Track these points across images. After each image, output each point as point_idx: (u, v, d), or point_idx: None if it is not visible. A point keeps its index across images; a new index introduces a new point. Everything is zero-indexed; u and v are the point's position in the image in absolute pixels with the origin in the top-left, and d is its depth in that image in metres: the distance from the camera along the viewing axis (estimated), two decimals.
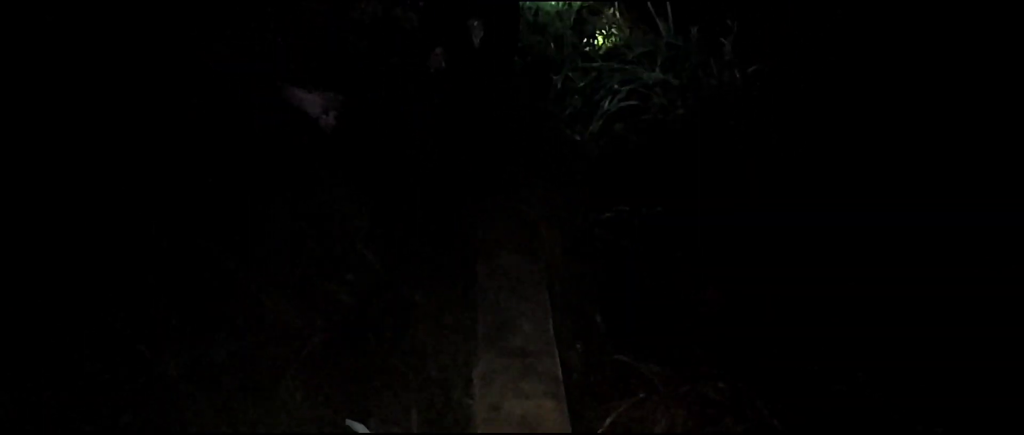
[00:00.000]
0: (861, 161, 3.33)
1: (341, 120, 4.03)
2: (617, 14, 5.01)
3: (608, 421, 2.66)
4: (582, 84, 4.42)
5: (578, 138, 4.02)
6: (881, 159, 3.30)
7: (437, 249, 3.25)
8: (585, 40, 4.91)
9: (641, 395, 2.76)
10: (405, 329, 2.95)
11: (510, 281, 2.98)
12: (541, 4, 5.09)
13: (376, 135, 3.77)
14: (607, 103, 4.15)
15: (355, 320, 3.00)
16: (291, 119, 4.01)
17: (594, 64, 4.56)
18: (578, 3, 5.03)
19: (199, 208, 3.31)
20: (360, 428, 2.57)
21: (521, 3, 5.04)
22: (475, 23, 4.85)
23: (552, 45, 4.88)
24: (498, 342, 2.77)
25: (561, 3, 5.04)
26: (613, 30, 4.98)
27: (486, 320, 2.88)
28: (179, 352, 2.81)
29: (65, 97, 3.29)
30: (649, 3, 4.56)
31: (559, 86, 4.48)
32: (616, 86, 4.23)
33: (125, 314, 2.91)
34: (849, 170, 3.32)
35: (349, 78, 4.76)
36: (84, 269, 3.05)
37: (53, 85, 3.28)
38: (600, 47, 4.84)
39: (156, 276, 3.03)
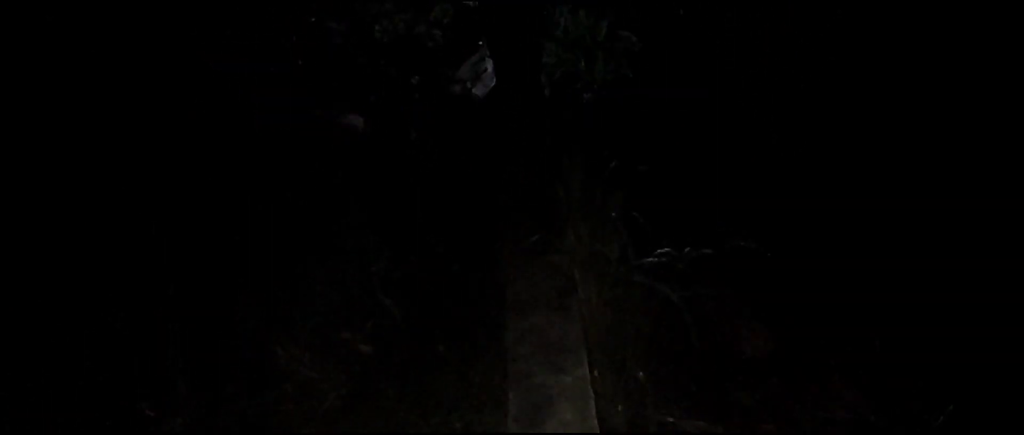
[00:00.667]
0: None
1: (360, 145, 3.82)
2: None
3: None
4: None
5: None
6: None
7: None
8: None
9: None
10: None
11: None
12: (571, 19, 4.83)
13: (396, 161, 3.54)
14: None
15: (375, 371, 2.77)
16: (309, 137, 3.82)
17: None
18: (608, 18, 4.75)
19: (208, 247, 3.11)
20: None
21: (549, 20, 4.80)
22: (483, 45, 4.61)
23: (582, 61, 4.62)
24: None
25: (590, 19, 4.77)
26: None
27: None
28: (186, 412, 2.60)
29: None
30: None
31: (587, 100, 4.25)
32: None
33: (127, 369, 2.70)
34: None
35: (370, 100, 4.57)
36: (87, 316, 2.86)
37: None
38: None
39: (161, 324, 2.82)
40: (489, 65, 4.66)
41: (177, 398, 2.62)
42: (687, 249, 2.81)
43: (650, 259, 2.72)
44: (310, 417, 2.63)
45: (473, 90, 4.53)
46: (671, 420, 2.62)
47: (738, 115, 3.99)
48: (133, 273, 3.00)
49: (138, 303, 2.91)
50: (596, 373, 2.67)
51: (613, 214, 2.87)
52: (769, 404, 2.72)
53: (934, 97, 3.53)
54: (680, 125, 3.99)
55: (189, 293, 2.97)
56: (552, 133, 3.61)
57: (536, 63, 4.54)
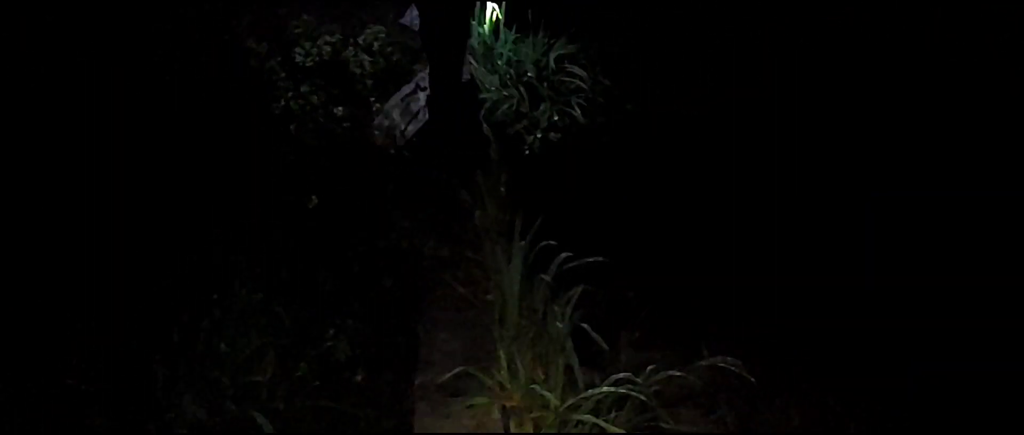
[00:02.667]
0: None
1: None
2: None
3: None
4: None
5: None
6: None
7: None
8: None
9: None
10: None
11: None
12: (518, 48, 4.37)
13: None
14: None
15: None
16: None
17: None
18: (558, 51, 4.31)
19: None
20: None
21: (496, 50, 4.33)
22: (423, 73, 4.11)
23: (526, 99, 4.16)
24: None
25: (537, 51, 4.32)
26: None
27: None
28: None
29: None
30: None
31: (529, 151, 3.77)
32: None
33: None
34: None
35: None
36: None
37: None
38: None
39: None
40: (422, 97, 4.17)
41: None
42: (650, 368, 2.29)
43: (604, 387, 2.18)
44: None
45: (404, 128, 4.03)
46: None
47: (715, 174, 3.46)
48: None
49: None
50: None
51: (560, 325, 2.34)
52: None
53: None
54: (646, 190, 3.43)
55: None
56: (485, 205, 2.98)
57: (475, 99, 4.06)
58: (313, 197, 2.81)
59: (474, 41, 4.32)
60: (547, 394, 2.19)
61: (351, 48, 4.38)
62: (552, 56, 4.32)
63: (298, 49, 4.38)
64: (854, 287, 2.74)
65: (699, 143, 3.50)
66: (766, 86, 3.66)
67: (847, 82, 3.51)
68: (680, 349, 2.43)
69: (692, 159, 3.43)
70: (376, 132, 3.85)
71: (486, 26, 4.42)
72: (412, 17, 4.54)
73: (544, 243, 2.51)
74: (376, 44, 4.40)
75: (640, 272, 2.81)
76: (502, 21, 4.40)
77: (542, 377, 2.31)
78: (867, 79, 3.48)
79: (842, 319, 2.66)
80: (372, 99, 4.23)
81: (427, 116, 4.12)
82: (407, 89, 4.28)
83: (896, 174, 3.18)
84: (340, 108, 4.13)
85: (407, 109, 4.19)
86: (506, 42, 4.35)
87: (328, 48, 4.37)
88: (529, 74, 4.23)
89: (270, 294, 2.48)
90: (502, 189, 2.85)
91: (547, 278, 2.41)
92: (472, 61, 4.19)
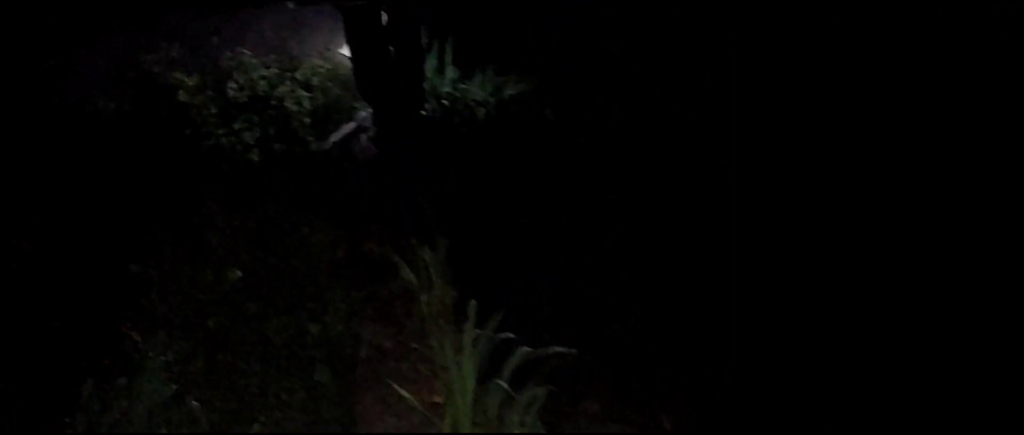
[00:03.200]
0: None
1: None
2: None
3: None
4: None
5: None
6: None
7: None
8: None
9: None
10: None
11: None
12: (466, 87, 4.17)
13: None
14: None
15: None
16: None
17: None
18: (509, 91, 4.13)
19: None
20: None
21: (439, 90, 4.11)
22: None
23: None
24: None
25: (486, 90, 4.13)
26: None
27: None
28: None
29: None
30: None
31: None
32: None
33: None
34: None
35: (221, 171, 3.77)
36: None
37: None
38: None
39: None
40: (363, 139, 3.95)
41: None
42: None
43: None
44: None
45: (342, 167, 3.79)
46: None
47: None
48: None
49: None
50: None
51: None
52: None
53: None
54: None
55: None
56: (432, 282, 2.68)
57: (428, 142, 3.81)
58: (236, 272, 2.55)
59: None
60: None
61: (288, 83, 4.14)
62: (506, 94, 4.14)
63: (231, 83, 4.12)
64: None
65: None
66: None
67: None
68: None
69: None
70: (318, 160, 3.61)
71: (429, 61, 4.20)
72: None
73: (502, 335, 2.26)
74: (315, 79, 4.16)
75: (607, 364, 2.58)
76: (449, 56, 4.19)
77: None
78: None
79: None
80: (309, 138, 3.99)
81: (372, 152, 3.89)
82: (347, 129, 4.05)
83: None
84: (279, 144, 3.88)
85: (347, 147, 3.96)
86: (452, 80, 4.15)
87: (263, 83, 4.11)
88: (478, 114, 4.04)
89: (185, 385, 2.24)
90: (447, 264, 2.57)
91: (503, 384, 2.16)
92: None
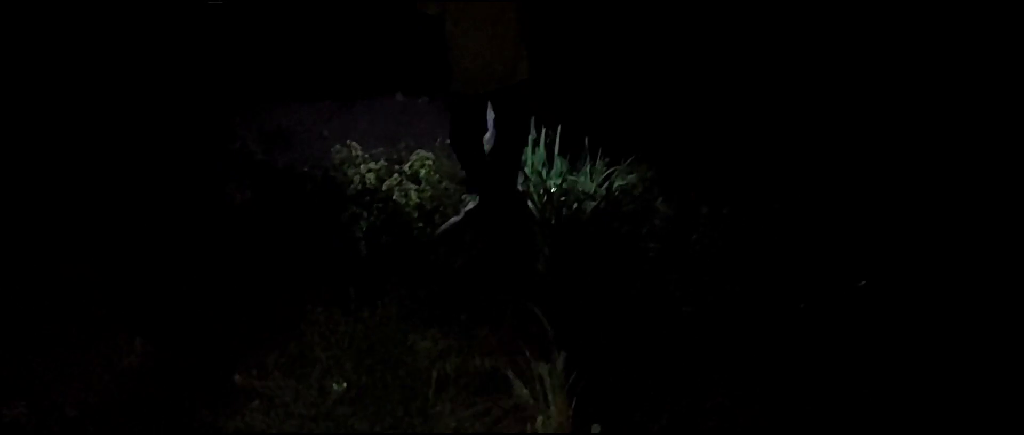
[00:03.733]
0: None
1: None
2: None
3: None
4: None
5: None
6: None
7: None
8: None
9: None
10: None
11: None
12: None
13: None
14: None
15: None
16: None
17: None
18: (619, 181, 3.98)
19: None
20: None
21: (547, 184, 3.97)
22: None
23: None
24: None
25: (594, 181, 3.99)
26: None
27: None
28: None
29: None
30: None
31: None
32: None
33: None
34: None
35: None
36: None
37: None
38: None
39: None
40: (469, 233, 3.85)
41: None
42: None
43: None
44: None
45: (450, 264, 3.69)
46: None
47: None
48: None
49: None
50: None
51: None
52: None
53: None
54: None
55: None
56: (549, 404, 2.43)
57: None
58: (342, 383, 2.43)
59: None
60: None
61: (396, 175, 4.12)
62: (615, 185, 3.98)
63: (339, 175, 4.13)
64: None
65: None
66: None
67: None
68: None
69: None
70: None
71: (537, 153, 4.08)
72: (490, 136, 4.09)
73: None
74: (422, 170, 4.13)
75: None
76: (557, 147, 4.08)
77: None
78: None
79: None
80: (416, 230, 3.93)
81: (476, 253, 3.79)
82: (454, 220, 3.98)
83: None
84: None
85: (455, 245, 3.87)
86: (560, 172, 4.03)
87: (371, 175, 4.11)
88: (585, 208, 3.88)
89: None
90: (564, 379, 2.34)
91: None
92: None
